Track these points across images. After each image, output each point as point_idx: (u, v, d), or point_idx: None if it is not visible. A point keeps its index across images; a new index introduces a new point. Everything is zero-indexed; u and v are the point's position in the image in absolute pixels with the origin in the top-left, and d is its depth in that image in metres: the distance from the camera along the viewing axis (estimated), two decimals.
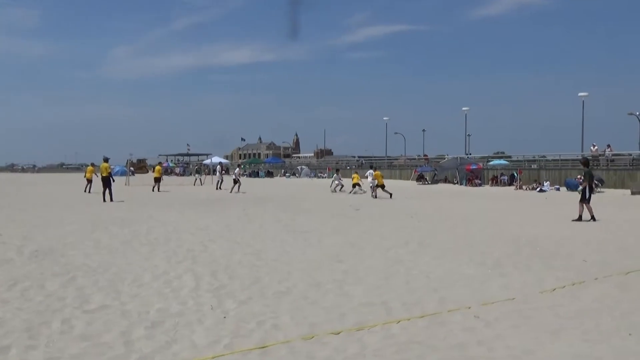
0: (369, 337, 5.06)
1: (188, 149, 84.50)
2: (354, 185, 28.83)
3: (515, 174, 35.47)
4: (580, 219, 14.44)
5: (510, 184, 35.75)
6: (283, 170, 64.73)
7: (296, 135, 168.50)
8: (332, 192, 29.31)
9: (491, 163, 42.39)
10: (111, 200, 21.02)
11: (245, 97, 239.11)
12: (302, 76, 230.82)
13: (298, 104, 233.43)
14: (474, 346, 4.82)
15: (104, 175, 21.48)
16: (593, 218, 14.39)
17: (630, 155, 35.47)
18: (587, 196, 14.57)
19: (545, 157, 44.21)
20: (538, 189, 31.21)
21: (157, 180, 30.32)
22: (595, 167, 33.73)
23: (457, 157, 43.62)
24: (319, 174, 57.03)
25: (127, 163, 47.62)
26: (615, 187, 30.64)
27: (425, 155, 54.10)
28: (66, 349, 4.71)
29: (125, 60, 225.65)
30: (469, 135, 57.81)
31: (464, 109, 55.40)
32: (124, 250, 9.72)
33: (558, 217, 15.39)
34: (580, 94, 42.14)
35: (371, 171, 26.41)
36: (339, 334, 5.16)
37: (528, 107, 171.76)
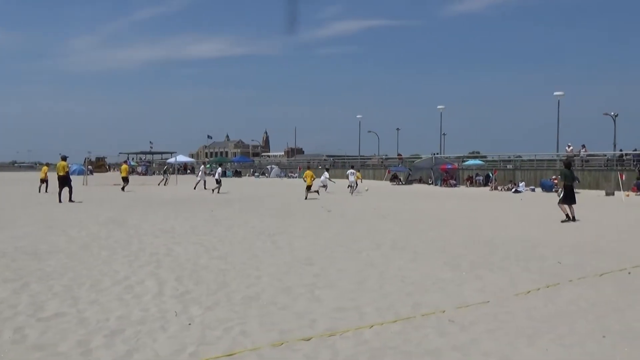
0: (341, 343, 4.92)
1: (151, 147, 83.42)
2: (349, 186, 29.36)
3: (491, 175, 35.86)
4: (568, 218, 14.62)
5: (485, 185, 36.15)
6: (252, 170, 64.10)
7: (266, 133, 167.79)
8: (350, 194, 28.43)
9: (466, 163, 42.55)
10: (70, 200, 20.33)
11: (212, 93, 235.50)
12: (272, 72, 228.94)
13: (268, 101, 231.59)
14: (448, 351, 4.73)
15: (61, 174, 20.67)
16: (573, 218, 14.61)
17: (605, 155, 36.11)
18: (566, 196, 14.83)
19: (520, 157, 44.45)
20: (513, 190, 31.59)
21: (125, 180, 29.87)
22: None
23: (432, 157, 43.60)
24: (290, 174, 56.72)
25: (85, 161, 46.57)
26: (590, 188, 31.14)
27: (399, 154, 54.15)
28: None
29: (85, 51, 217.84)
30: (444, 134, 58.30)
31: (439, 107, 55.26)
32: (81, 255, 9.30)
33: (533, 219, 15.54)
34: (556, 93, 42.56)
35: (353, 171, 27.99)
36: (309, 340, 5.00)
37: (504, 107, 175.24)
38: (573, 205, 14.81)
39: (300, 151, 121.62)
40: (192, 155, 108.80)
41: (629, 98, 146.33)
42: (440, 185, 37.87)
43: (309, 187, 24.26)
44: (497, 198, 26.41)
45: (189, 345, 4.81)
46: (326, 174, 29.62)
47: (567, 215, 14.73)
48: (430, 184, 39.71)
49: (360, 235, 11.92)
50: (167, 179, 37.59)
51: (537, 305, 6.18)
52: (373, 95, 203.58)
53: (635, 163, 32.28)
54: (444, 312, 5.87)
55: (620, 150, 35.30)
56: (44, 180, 27.44)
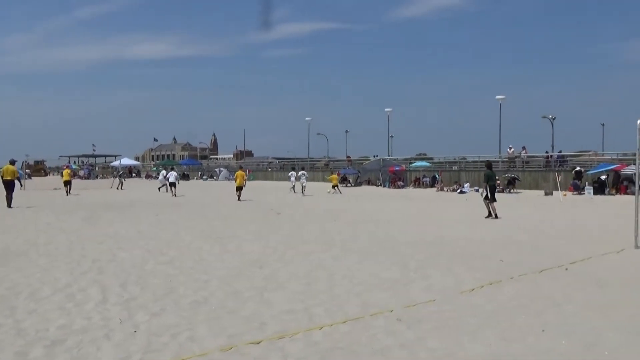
0: (291, 346, 4.91)
1: (94, 150, 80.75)
2: (333, 187, 30.68)
3: (437, 176, 36.67)
4: (490, 215, 15.92)
5: (432, 186, 36.88)
6: (200, 173, 63.02)
7: (214, 135, 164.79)
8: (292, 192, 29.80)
9: (413, 165, 43.11)
10: (9, 206, 19.43)
11: (158, 94, 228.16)
12: (220, 73, 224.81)
13: (216, 102, 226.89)
14: (396, 349, 4.81)
15: (8, 178, 19.99)
16: (495, 216, 15.89)
17: (544, 156, 37.46)
18: (489, 195, 16.05)
19: (465, 158, 45.57)
20: (459, 191, 32.41)
21: (67, 183, 29.66)
22: (512, 169, 35.74)
23: (380, 159, 44.30)
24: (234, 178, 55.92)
25: (22, 165, 44.54)
26: (530, 188, 32.37)
27: (348, 156, 54.59)
28: None
29: (22, 50, 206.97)
30: (391, 136, 58.95)
31: (386, 109, 55.97)
32: (18, 262, 8.88)
33: (478, 218, 16.02)
34: (498, 96, 43.95)
35: (304, 172, 30.06)
36: (259, 343, 4.96)
37: (449, 109, 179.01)
38: (494, 203, 16.11)
39: (249, 153, 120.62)
40: (137, 158, 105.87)
41: (565, 101, 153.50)
42: (389, 187, 38.43)
43: (238, 188, 24.30)
44: (443, 199, 27.08)
45: (135, 353, 4.68)
46: (304, 173, 30.91)
47: (489, 212, 16.02)
48: (379, 185, 40.26)
49: (310, 237, 11.94)
50: (122, 183, 36.65)
51: (481, 302, 6.37)
52: (322, 97, 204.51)
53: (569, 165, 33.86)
54: (391, 311, 5.96)
55: (560, 152, 36.81)
56: None
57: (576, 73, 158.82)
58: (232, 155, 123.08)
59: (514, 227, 13.91)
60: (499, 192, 30.19)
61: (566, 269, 8.29)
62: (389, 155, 50.72)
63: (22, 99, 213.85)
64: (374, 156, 45.45)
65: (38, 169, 66.13)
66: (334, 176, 32.67)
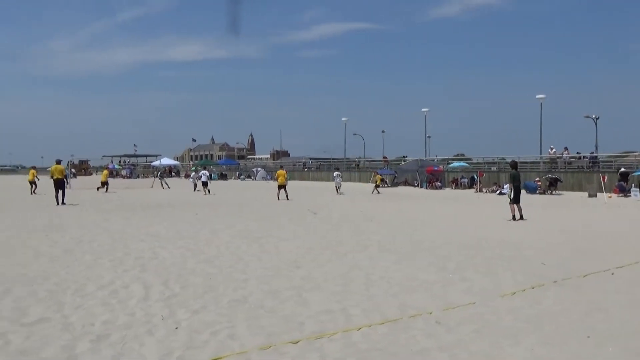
0: (329, 346, 4.91)
1: (135, 150, 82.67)
2: (376, 187, 31.37)
3: (475, 177, 36.04)
4: (514, 218, 15.56)
5: (470, 187, 36.32)
6: (237, 173, 63.76)
7: (251, 135, 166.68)
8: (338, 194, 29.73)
9: (451, 165, 42.58)
10: (63, 203, 20.49)
11: (196, 95, 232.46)
12: (256, 74, 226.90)
13: (253, 103, 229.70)
14: (435, 352, 4.75)
15: (58, 177, 20.90)
16: (521, 217, 15.56)
17: (587, 157, 36.40)
18: (513, 197, 15.76)
19: (504, 159, 44.28)
20: (498, 192, 31.74)
21: (104, 184, 31.14)
22: (554, 170, 34.83)
23: (417, 159, 43.84)
24: (275, 177, 56.39)
25: (68, 165, 46.04)
26: (572, 189, 31.40)
27: (384, 157, 54.25)
28: None
29: (65, 54, 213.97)
30: (429, 137, 58.43)
31: (423, 109, 55.56)
32: (65, 259, 9.18)
33: (517, 220, 15.63)
34: (538, 96, 43.07)
35: (338, 172, 31.41)
36: (297, 343, 4.98)
37: (488, 109, 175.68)
38: (518, 205, 15.75)
39: (285, 154, 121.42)
40: (177, 158, 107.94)
41: (610, 101, 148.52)
42: (426, 188, 38.03)
43: (280, 187, 24.72)
44: (481, 200, 26.60)
45: (176, 350, 4.77)
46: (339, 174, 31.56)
47: (513, 215, 15.61)
48: (416, 186, 39.88)
49: (346, 238, 11.93)
50: (166, 183, 37.41)
51: (523, 305, 6.23)
52: (357, 98, 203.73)
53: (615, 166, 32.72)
54: (430, 313, 5.90)
55: (592, 153, 35.66)
56: (32, 183, 28.74)
57: (620, 72, 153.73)
58: (269, 155, 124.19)
59: (555, 230, 13.54)
60: (540, 193, 29.80)
61: (612, 274, 8.03)
62: (426, 156, 50.21)
63: (66, 101, 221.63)
64: (404, 157, 45.11)
65: (83, 168, 68.49)
66: (379, 176, 32.92)
